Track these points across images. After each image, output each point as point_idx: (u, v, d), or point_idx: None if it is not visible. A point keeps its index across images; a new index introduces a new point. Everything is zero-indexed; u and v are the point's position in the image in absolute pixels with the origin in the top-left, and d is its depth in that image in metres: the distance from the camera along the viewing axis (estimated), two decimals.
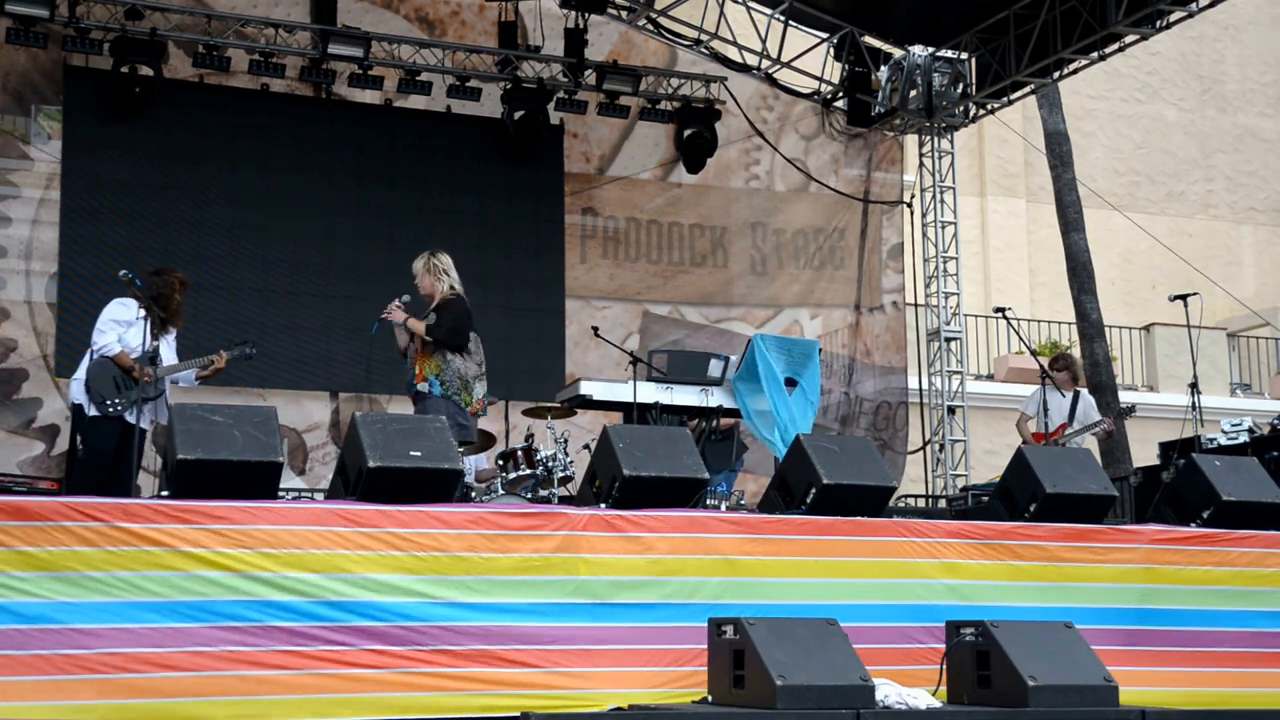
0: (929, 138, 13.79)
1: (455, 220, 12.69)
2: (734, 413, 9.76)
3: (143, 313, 8.39)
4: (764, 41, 13.43)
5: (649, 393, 9.35)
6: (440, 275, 8.81)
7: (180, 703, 5.53)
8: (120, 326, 8.40)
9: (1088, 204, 15.35)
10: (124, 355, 8.33)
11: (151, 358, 8.19)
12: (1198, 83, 20.83)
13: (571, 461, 9.16)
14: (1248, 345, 19.06)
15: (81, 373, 8.43)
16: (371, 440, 6.28)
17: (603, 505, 6.63)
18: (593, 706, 6.00)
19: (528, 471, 9.06)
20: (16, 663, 5.37)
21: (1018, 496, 7.45)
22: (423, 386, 8.66)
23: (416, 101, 12.49)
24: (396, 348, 8.98)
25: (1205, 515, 7.50)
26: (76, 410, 8.45)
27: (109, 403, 8.26)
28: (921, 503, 13.38)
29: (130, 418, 8.31)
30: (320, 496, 9.35)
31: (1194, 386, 10.87)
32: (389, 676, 5.83)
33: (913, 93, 12.67)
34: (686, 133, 13.20)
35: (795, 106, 13.94)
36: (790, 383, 9.59)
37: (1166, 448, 11.03)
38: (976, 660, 6.06)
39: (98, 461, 8.33)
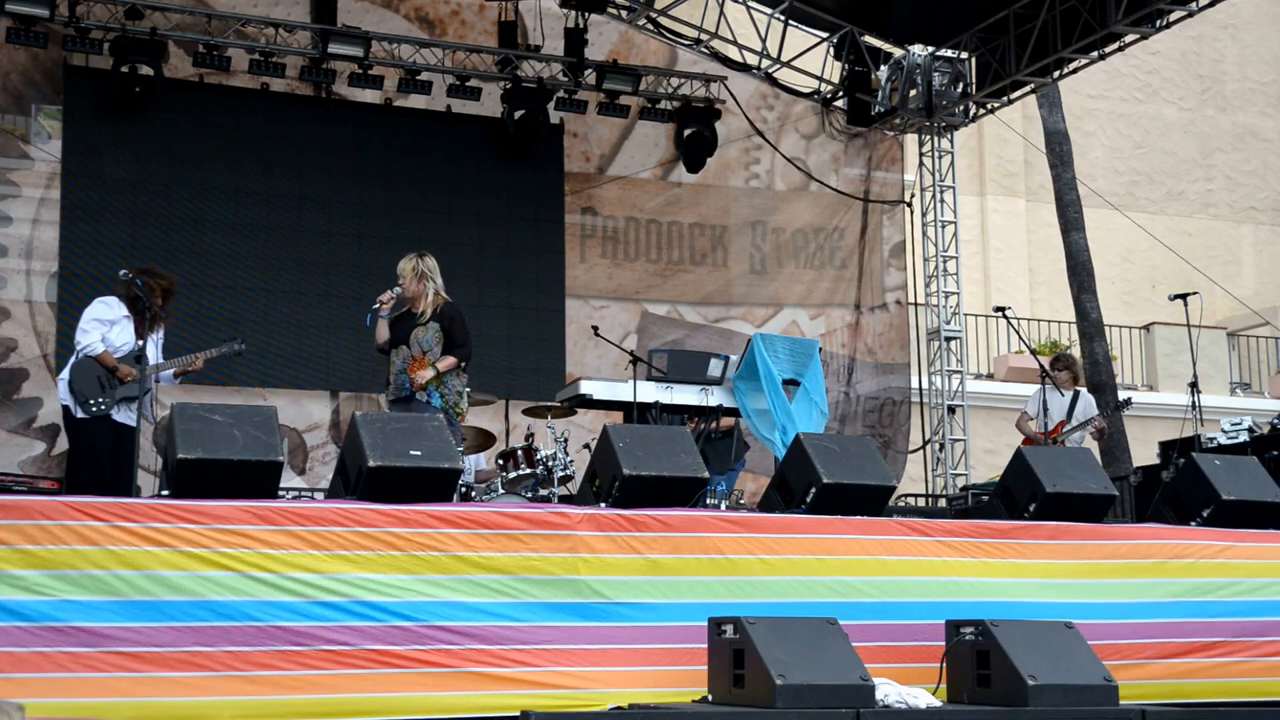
0: (929, 137, 13.80)
1: (455, 220, 12.70)
2: (734, 412, 9.76)
3: (127, 311, 8.39)
4: (764, 41, 13.44)
5: (649, 392, 9.35)
6: (427, 280, 8.68)
7: (180, 702, 5.52)
8: (103, 325, 8.37)
9: (1088, 203, 15.36)
10: (107, 354, 8.31)
11: (137, 356, 8.17)
12: (1198, 82, 20.83)
13: (571, 461, 9.17)
14: (1247, 344, 19.07)
15: (66, 373, 8.42)
16: (371, 440, 6.28)
17: (603, 505, 6.62)
18: (593, 706, 6.00)
19: (528, 471, 9.07)
20: (18, 660, 5.37)
21: (1017, 496, 7.45)
22: (420, 395, 8.52)
23: (416, 101, 12.49)
24: (375, 341, 8.77)
25: (1205, 514, 7.51)
26: (65, 411, 8.44)
27: (92, 402, 8.24)
28: (921, 502, 13.39)
29: (118, 416, 8.30)
30: (320, 496, 9.35)
31: (1194, 386, 10.89)
32: (389, 676, 5.83)
33: (913, 92, 12.69)
34: (686, 132, 13.20)
35: (795, 106, 13.95)
36: (792, 383, 9.58)
37: (1166, 447, 11.04)
38: (976, 659, 6.06)
39: (90, 463, 8.30)
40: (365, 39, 11.93)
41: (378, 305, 8.62)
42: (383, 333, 8.69)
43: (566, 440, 9.29)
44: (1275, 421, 10.40)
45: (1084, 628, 6.35)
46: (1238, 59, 21.13)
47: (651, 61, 13.39)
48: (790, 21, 13.54)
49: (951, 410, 13.55)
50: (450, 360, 8.57)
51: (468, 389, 8.87)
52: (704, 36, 13.35)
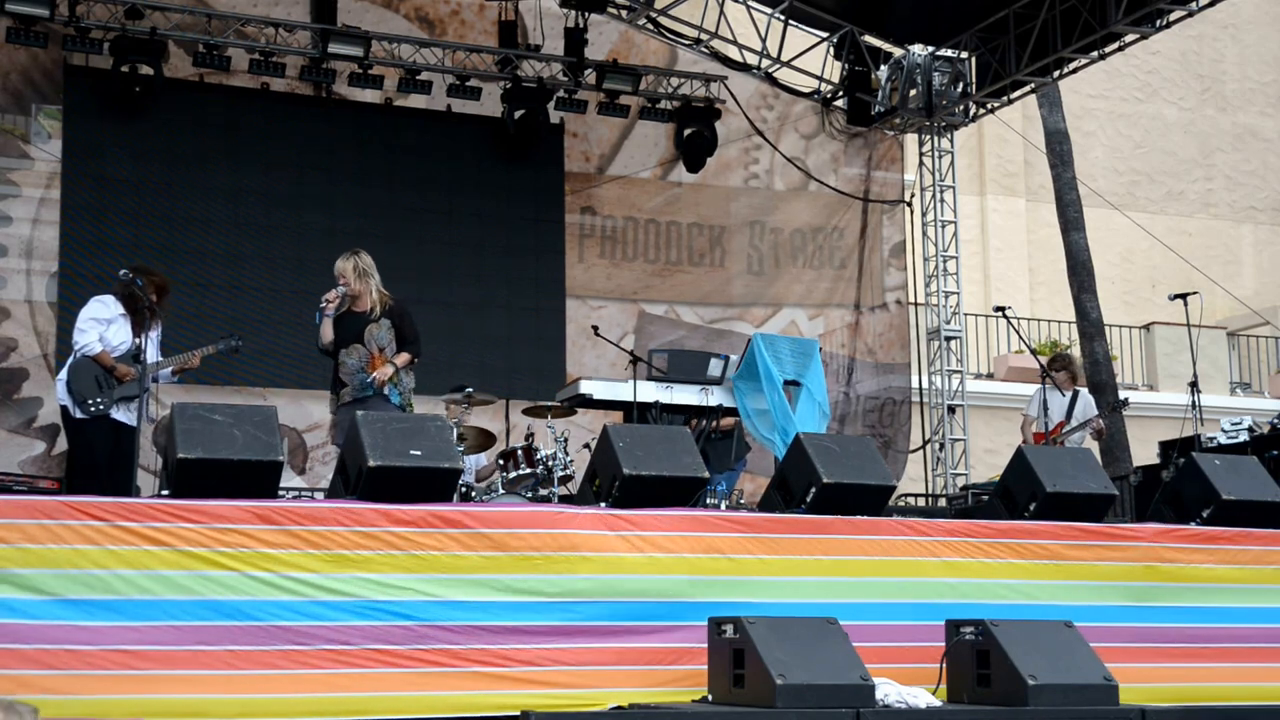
0: (929, 137, 13.80)
1: (455, 220, 12.71)
2: (734, 412, 9.77)
3: (123, 310, 8.39)
4: (764, 41, 13.44)
5: (649, 392, 9.35)
6: (368, 278, 8.65)
7: (182, 699, 5.53)
8: (100, 325, 8.36)
9: (1088, 203, 15.36)
10: (105, 354, 8.30)
11: (135, 355, 8.17)
12: (1198, 82, 20.83)
13: (571, 460, 9.18)
14: (1247, 344, 19.07)
15: (64, 373, 8.41)
16: (372, 439, 6.28)
17: (603, 504, 6.63)
18: (593, 706, 6.00)
19: (528, 470, 9.08)
20: (21, 657, 5.38)
21: (1018, 495, 7.45)
22: (384, 391, 8.54)
23: (416, 101, 12.49)
24: (319, 342, 8.67)
25: (1205, 514, 7.50)
26: (63, 411, 8.44)
27: (90, 402, 8.23)
28: (921, 502, 13.39)
29: (117, 415, 8.30)
30: (320, 496, 9.35)
31: (1194, 385, 10.88)
32: (389, 675, 5.84)
33: (913, 92, 12.69)
34: (686, 132, 13.20)
35: (795, 106, 13.95)
36: (793, 384, 9.57)
37: (1166, 447, 11.03)
38: (976, 659, 6.06)
39: (89, 462, 8.30)
40: (365, 39, 11.93)
41: (324, 305, 8.59)
42: (328, 333, 8.61)
43: (566, 440, 9.29)
44: (1275, 421, 10.40)
45: (1083, 628, 6.35)
46: (1238, 59, 21.13)
47: (651, 61, 13.39)
48: (790, 21, 13.54)
49: (951, 410, 13.55)
50: (405, 357, 8.61)
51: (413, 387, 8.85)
52: (704, 36, 13.35)
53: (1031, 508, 7.30)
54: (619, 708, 6.02)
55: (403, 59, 12.29)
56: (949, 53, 12.80)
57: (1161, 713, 6.24)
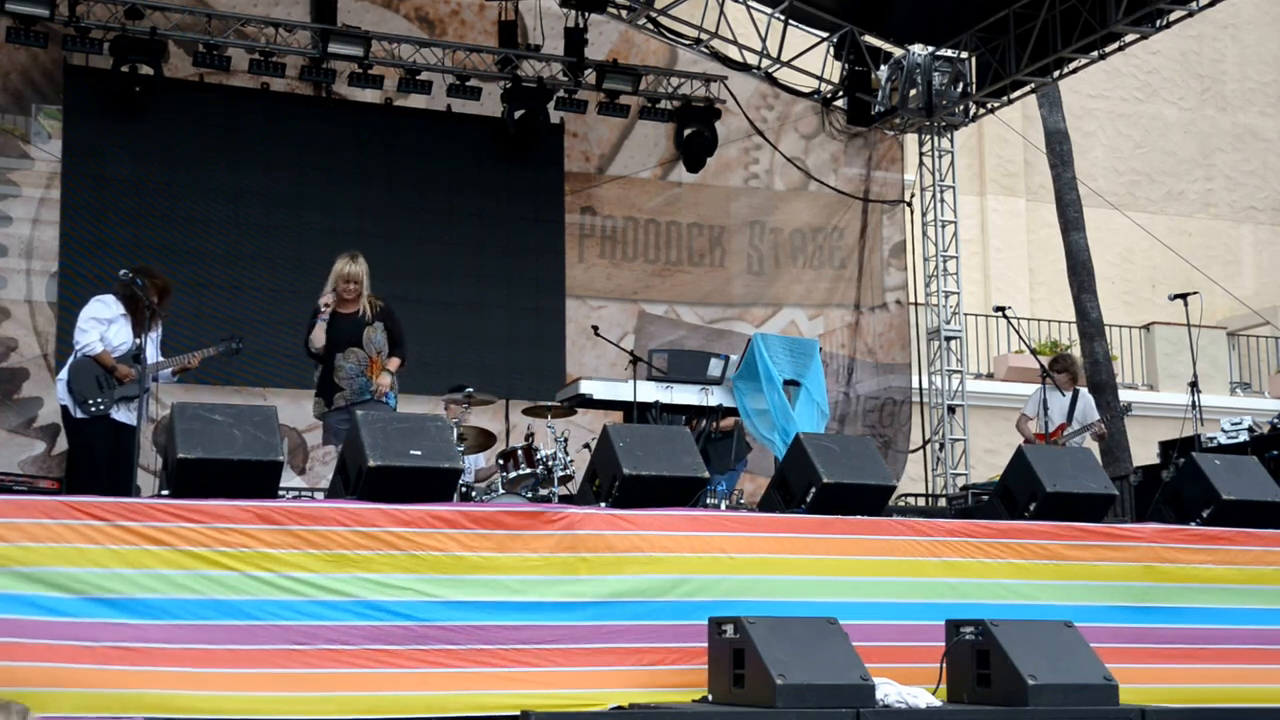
0: (929, 137, 13.80)
1: (455, 220, 12.71)
2: (734, 412, 9.77)
3: (124, 310, 8.39)
4: (764, 41, 13.44)
5: (649, 392, 9.35)
6: (365, 281, 8.70)
7: (181, 697, 5.53)
8: (101, 325, 8.36)
9: (1088, 203, 15.36)
10: (106, 354, 8.30)
11: (135, 355, 8.17)
12: (1198, 82, 20.83)
13: (571, 460, 9.18)
14: (1247, 344, 19.07)
15: (64, 373, 8.41)
16: (372, 439, 6.29)
17: (603, 504, 6.63)
18: (593, 706, 6.00)
19: (528, 470, 9.08)
20: (26, 651, 5.38)
21: (1018, 495, 7.45)
22: (383, 398, 8.59)
23: (416, 101, 12.50)
24: (311, 345, 8.66)
25: (1205, 514, 7.50)
26: (63, 411, 8.44)
27: (90, 402, 8.23)
28: (921, 502, 13.39)
29: (117, 416, 8.30)
30: (320, 496, 9.35)
31: (1194, 385, 10.88)
32: (389, 675, 5.84)
33: (913, 92, 12.69)
34: (686, 132, 13.20)
35: (795, 105, 13.95)
36: (792, 384, 9.57)
37: (1166, 447, 11.03)
38: (976, 659, 6.06)
39: (89, 462, 8.29)
40: (365, 39, 11.93)
41: (323, 310, 8.59)
42: (321, 337, 8.62)
43: (566, 440, 9.29)
44: (1275, 421, 10.40)
45: (1083, 628, 6.35)
46: (1238, 59, 21.13)
47: (651, 61, 13.39)
48: (790, 21, 13.54)
49: (951, 410, 13.55)
50: (397, 361, 8.70)
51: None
52: (704, 36, 13.35)
53: (1031, 508, 7.30)
54: (619, 708, 6.02)
55: (403, 59, 12.29)
56: (949, 53, 12.80)
57: (1161, 713, 6.24)
